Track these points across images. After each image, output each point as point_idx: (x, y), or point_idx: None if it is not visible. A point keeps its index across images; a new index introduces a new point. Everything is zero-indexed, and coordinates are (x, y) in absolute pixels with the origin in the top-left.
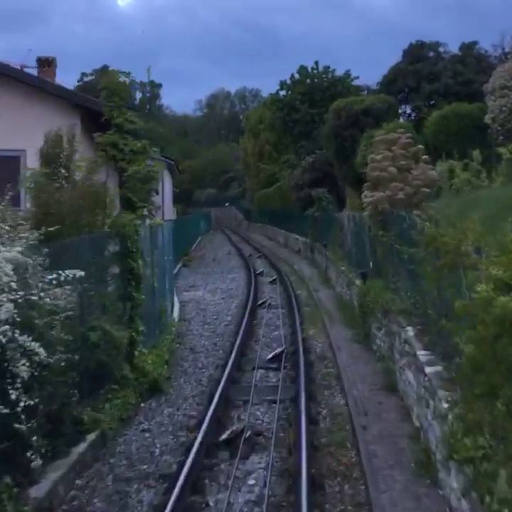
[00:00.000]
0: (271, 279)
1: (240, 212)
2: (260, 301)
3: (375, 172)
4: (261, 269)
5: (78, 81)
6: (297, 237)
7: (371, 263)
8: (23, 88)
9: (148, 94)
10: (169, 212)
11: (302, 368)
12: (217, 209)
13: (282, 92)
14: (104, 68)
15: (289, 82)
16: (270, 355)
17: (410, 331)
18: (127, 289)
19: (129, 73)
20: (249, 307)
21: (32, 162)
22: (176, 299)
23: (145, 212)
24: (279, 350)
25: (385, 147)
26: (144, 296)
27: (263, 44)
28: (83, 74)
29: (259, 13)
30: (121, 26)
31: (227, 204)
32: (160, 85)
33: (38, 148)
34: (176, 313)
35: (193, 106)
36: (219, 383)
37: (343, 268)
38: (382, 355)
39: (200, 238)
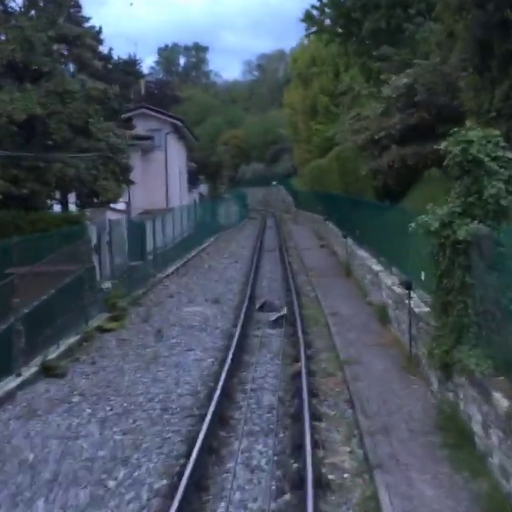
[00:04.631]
0: None
1: (290, 194)
2: None
3: None
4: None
5: None
6: (372, 264)
7: None
8: None
9: (193, 59)
10: (179, 195)
11: None
12: (263, 189)
13: None
14: None
15: None
16: None
17: None
18: None
19: None
20: None
21: None
22: None
23: None
24: None
25: None
26: None
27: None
28: None
29: None
30: (179, 9)
31: (274, 183)
32: (206, 48)
33: None
34: None
35: (242, 68)
36: None
37: None
38: None
39: (207, 242)
